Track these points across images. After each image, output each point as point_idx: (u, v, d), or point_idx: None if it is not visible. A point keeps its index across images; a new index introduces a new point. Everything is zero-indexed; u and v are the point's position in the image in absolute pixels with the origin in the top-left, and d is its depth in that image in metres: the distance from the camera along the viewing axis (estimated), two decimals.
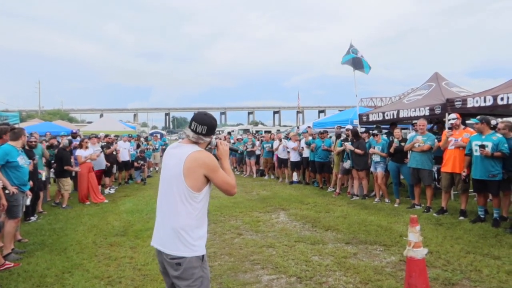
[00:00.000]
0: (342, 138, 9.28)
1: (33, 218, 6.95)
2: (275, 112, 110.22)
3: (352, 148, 8.39)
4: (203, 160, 2.24)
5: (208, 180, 2.28)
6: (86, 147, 8.97)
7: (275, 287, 3.86)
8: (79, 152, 8.85)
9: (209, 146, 2.44)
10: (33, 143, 6.99)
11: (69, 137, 9.91)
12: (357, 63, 10.61)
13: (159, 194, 2.40)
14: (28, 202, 5.51)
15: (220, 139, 2.83)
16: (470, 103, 7.06)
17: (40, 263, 4.67)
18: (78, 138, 10.60)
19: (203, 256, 2.27)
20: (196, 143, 2.34)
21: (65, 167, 8.18)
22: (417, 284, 3.08)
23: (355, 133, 8.75)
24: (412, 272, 3.14)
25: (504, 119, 8.13)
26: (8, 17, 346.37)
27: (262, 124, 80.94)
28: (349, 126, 9.87)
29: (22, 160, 5.28)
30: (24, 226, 6.24)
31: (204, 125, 2.31)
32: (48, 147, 8.95)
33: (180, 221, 2.22)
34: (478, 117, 6.12)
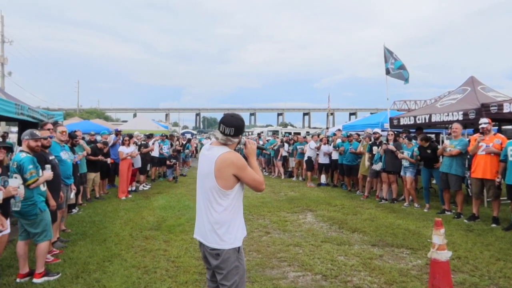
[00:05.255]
0: (371, 142, 9.24)
1: (74, 211, 7.45)
2: (305, 114, 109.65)
3: (394, 148, 8.23)
4: (231, 160, 2.41)
5: (238, 178, 2.47)
6: (128, 145, 9.51)
7: (301, 283, 4.01)
8: (121, 149, 9.41)
9: (239, 145, 2.63)
10: (77, 141, 7.51)
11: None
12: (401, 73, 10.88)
13: (197, 192, 2.62)
14: (72, 195, 5.93)
15: (249, 138, 3.00)
16: (507, 108, 6.90)
17: (83, 251, 5.06)
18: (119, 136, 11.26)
19: (239, 248, 2.49)
20: (225, 144, 2.51)
21: (88, 157, 8.41)
22: (440, 285, 3.14)
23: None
24: (436, 274, 3.21)
25: None
26: (50, 20, 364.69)
27: (292, 125, 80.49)
28: (377, 130, 9.81)
29: (66, 155, 5.70)
30: (67, 218, 6.68)
31: (232, 126, 2.47)
32: (88, 143, 9.51)
33: (215, 217, 2.45)
34: None
